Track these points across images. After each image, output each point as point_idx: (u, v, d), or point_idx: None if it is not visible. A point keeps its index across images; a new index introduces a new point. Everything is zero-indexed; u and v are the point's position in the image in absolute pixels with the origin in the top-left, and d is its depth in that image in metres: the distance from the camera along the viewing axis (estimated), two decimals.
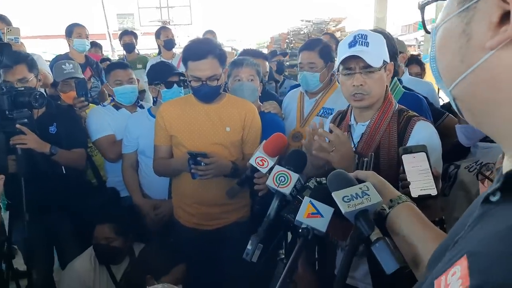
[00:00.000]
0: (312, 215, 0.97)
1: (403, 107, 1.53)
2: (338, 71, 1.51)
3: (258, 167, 1.37)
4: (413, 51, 12.13)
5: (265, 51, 9.67)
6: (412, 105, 1.55)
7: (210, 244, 2.08)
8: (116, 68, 2.57)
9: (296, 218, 0.98)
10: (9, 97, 1.88)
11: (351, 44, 1.43)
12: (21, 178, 1.93)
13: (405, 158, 1.21)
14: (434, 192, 1.16)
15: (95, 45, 5.20)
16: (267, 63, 2.84)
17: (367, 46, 1.40)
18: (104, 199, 2.47)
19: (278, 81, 3.60)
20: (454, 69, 0.48)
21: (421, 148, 1.21)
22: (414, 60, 3.29)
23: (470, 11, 0.45)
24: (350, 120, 1.57)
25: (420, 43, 13.19)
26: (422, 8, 0.59)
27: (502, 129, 0.47)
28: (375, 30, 1.62)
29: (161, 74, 2.39)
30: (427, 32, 0.62)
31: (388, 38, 1.54)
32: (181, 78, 2.39)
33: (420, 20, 0.62)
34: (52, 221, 2.33)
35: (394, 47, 1.75)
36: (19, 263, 2.55)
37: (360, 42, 1.41)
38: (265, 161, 1.37)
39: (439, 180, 1.23)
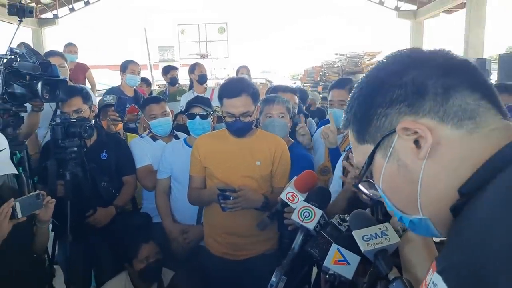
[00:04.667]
0: (339, 262, 1.01)
1: None
2: None
3: (288, 202, 1.41)
4: None
5: (299, 83, 9.84)
6: None
7: (237, 275, 2.13)
8: (150, 103, 2.76)
9: (324, 264, 1.03)
10: (62, 128, 2.10)
11: None
12: (67, 202, 2.09)
13: None
14: None
15: (144, 81, 5.55)
16: (295, 96, 2.95)
17: None
18: (138, 222, 2.62)
19: (308, 115, 3.67)
20: (410, 193, 0.60)
21: None
22: None
23: (394, 154, 0.60)
24: None
25: None
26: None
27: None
28: None
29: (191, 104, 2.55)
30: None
31: None
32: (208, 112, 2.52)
33: None
34: (92, 243, 2.48)
35: None
36: (58, 282, 2.69)
37: None
38: (296, 197, 1.41)
39: None
